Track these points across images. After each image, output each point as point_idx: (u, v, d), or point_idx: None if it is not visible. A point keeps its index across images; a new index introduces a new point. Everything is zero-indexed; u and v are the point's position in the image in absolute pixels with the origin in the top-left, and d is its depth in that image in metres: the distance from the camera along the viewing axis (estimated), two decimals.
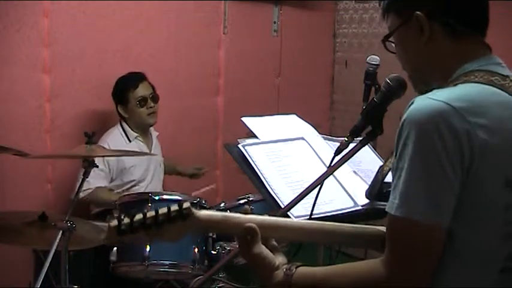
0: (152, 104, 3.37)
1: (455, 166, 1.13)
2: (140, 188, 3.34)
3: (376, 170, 2.25)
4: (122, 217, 1.27)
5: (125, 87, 3.35)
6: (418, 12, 1.29)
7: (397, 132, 1.19)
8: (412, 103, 1.19)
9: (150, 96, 3.37)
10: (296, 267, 1.29)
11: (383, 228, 1.25)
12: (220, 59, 4.10)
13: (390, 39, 1.39)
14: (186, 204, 1.28)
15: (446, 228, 1.15)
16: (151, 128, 3.54)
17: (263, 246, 1.29)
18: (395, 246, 1.18)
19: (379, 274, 1.19)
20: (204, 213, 1.31)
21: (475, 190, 1.15)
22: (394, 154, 1.20)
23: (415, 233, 1.15)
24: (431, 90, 1.28)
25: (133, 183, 3.34)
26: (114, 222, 1.26)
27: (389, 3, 1.37)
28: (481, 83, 1.22)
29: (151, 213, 1.27)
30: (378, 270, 1.19)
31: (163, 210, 1.27)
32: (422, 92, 1.29)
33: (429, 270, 1.17)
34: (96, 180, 3.15)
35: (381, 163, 2.30)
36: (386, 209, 1.19)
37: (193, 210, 1.29)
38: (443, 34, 1.29)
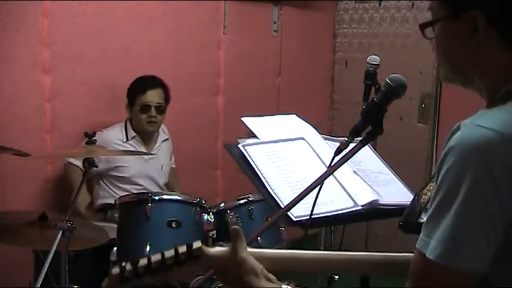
0: (154, 114, 3.31)
1: (505, 210, 1.04)
2: (131, 189, 3.27)
3: (376, 172, 2.24)
4: (124, 264, 1.15)
5: (135, 90, 3.34)
6: (476, 11, 1.15)
7: (440, 160, 1.09)
8: (458, 128, 1.09)
9: (155, 105, 3.31)
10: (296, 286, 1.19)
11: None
12: (220, 59, 4.10)
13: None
14: (196, 244, 1.17)
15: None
16: (165, 131, 3.54)
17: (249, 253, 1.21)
18: None
19: None
20: (216, 250, 1.21)
21: None
22: (435, 183, 1.11)
23: (457, 281, 1.06)
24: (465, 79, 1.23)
25: (121, 180, 3.30)
26: (116, 270, 1.16)
27: None
28: None
29: (156, 257, 1.17)
30: None
31: (170, 253, 1.17)
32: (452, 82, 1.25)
33: None
34: (75, 158, 3.22)
35: (381, 163, 2.30)
36: (418, 246, 1.10)
37: (204, 248, 1.18)
38: (495, 40, 1.16)
